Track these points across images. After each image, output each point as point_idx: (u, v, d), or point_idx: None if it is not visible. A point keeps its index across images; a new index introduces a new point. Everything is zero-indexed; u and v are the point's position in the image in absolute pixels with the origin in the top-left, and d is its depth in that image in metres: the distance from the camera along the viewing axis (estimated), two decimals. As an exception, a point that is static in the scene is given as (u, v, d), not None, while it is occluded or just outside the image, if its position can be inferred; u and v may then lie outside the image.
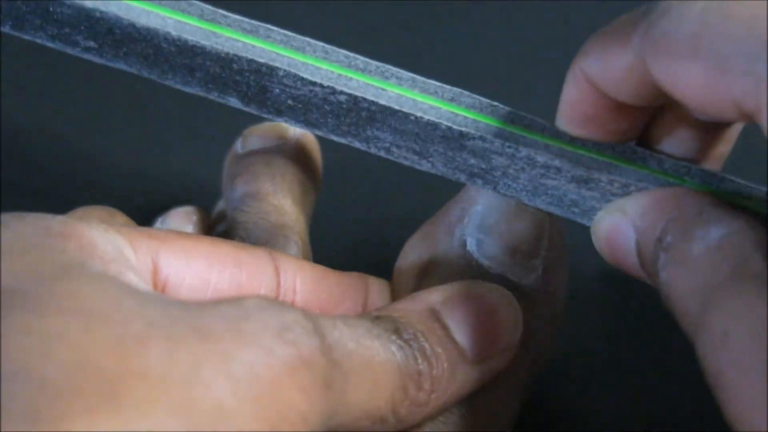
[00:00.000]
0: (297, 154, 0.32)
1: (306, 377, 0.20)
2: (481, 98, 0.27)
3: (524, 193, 0.26)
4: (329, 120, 0.26)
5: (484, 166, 0.26)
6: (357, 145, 0.27)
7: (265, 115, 0.27)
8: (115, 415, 0.17)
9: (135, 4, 0.26)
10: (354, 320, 0.23)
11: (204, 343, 0.19)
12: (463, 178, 0.27)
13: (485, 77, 0.46)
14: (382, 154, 0.27)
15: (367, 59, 0.26)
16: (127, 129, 0.45)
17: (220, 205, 0.34)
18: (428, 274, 0.27)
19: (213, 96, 0.27)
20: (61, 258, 0.20)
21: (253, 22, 0.26)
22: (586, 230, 0.27)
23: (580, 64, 0.25)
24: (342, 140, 0.27)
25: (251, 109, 0.27)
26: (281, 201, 0.31)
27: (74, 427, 0.17)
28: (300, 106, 0.26)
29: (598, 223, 0.25)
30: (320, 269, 0.27)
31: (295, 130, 0.32)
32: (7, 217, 0.21)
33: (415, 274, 0.28)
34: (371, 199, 0.41)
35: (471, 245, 0.27)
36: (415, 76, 0.27)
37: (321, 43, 0.27)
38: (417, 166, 0.27)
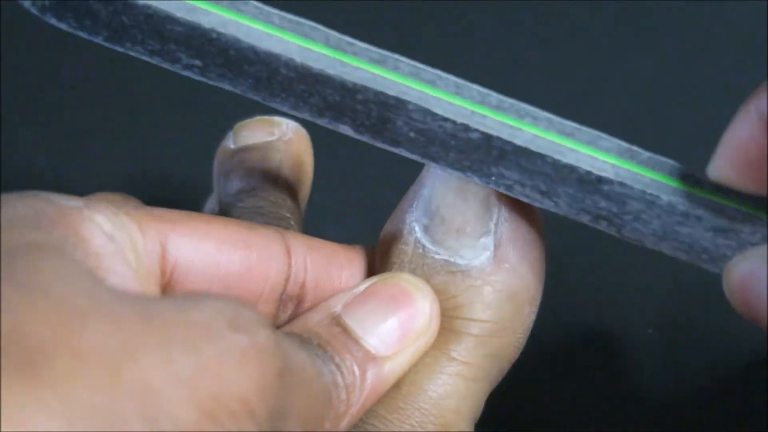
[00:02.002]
0: (290, 149, 0.32)
1: (258, 364, 0.19)
2: (620, 142, 0.26)
3: (651, 237, 0.25)
4: (451, 154, 0.25)
5: (615, 210, 0.25)
6: (475, 179, 0.25)
7: (376, 144, 0.25)
8: (29, 384, 0.16)
9: (256, 26, 0.24)
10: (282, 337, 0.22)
11: (146, 325, 0.18)
12: (586, 219, 0.26)
13: (485, 77, 0.46)
14: (502, 189, 0.25)
15: (500, 96, 0.25)
16: (122, 129, 0.45)
17: (210, 202, 0.34)
18: (383, 260, 0.27)
19: (322, 122, 0.25)
20: (41, 238, 0.20)
21: (381, 51, 0.25)
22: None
23: (757, 103, 0.24)
24: (459, 174, 0.25)
25: (363, 138, 0.25)
26: (277, 195, 0.30)
27: None
28: (422, 139, 0.25)
29: (732, 269, 0.25)
30: (329, 245, 0.27)
31: (287, 125, 0.32)
32: (8, 197, 0.21)
33: (379, 258, 0.28)
34: (365, 193, 0.41)
35: (418, 231, 0.27)
36: (550, 115, 0.25)
37: (452, 77, 0.25)
38: (537, 204, 0.26)
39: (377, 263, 0.28)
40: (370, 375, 0.24)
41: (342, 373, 0.23)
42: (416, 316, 0.25)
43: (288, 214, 0.30)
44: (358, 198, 0.42)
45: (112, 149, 0.45)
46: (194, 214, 0.25)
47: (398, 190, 0.40)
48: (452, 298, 0.26)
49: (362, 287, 0.25)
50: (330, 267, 0.26)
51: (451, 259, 0.26)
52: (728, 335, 0.38)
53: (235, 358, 0.19)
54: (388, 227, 0.28)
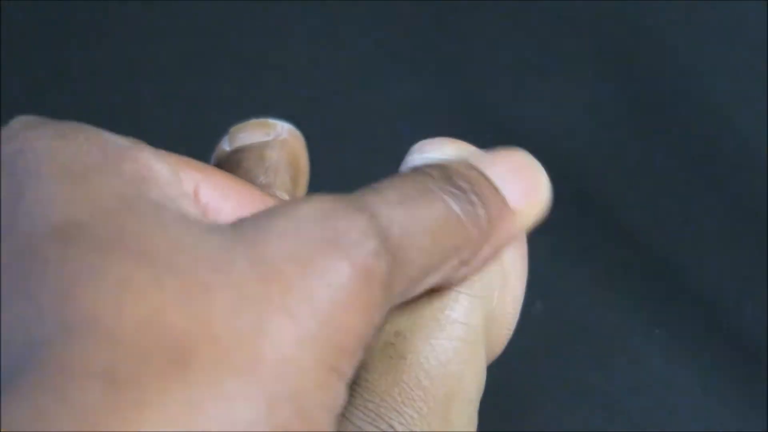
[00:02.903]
0: (285, 150, 0.32)
1: (365, 294, 0.19)
2: None
3: None
4: None
5: None
6: None
7: None
8: (184, 383, 0.17)
9: None
10: (402, 181, 0.23)
11: (265, 285, 0.18)
12: None
13: (484, 78, 0.46)
14: None
15: None
16: (121, 130, 0.45)
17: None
18: None
19: None
20: (119, 185, 0.20)
21: None
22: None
23: None
24: None
25: None
26: (275, 194, 0.31)
27: (146, 393, 0.16)
28: None
29: None
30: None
31: (282, 126, 0.32)
32: (66, 128, 0.21)
33: None
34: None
35: None
36: None
37: None
38: None
39: None
40: (505, 221, 0.24)
41: (485, 204, 0.24)
42: (540, 186, 0.25)
43: None
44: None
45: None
46: (220, 170, 0.25)
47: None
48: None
49: (493, 154, 0.25)
50: None
51: None
52: (728, 335, 0.38)
53: (348, 299, 0.19)
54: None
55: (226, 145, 0.32)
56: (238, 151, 0.31)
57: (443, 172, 0.24)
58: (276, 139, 0.31)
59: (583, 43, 0.46)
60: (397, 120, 0.43)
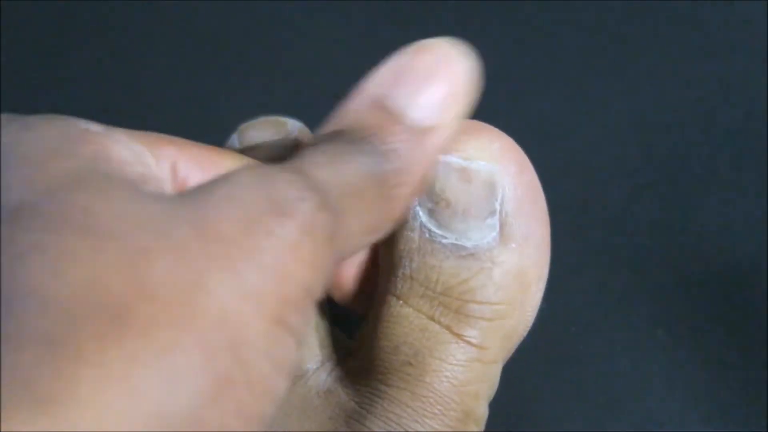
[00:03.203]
0: (296, 147, 0.32)
1: (309, 247, 0.19)
2: None
3: None
4: None
5: None
6: None
7: None
8: (122, 339, 0.17)
9: None
10: (326, 144, 0.23)
11: (206, 245, 0.18)
12: None
13: (484, 78, 0.46)
14: None
15: None
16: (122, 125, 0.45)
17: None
18: (389, 249, 0.27)
19: None
20: (74, 165, 0.20)
21: None
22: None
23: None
24: None
25: None
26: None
27: (84, 351, 0.16)
28: None
29: None
30: None
31: (293, 125, 0.32)
32: (33, 120, 0.21)
33: (383, 248, 0.28)
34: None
35: (422, 216, 0.26)
36: None
37: None
38: None
39: (381, 253, 0.28)
40: (419, 150, 0.24)
41: (390, 159, 0.23)
42: (457, 79, 0.25)
43: None
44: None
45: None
46: (198, 143, 0.25)
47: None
48: (464, 282, 0.26)
49: (396, 57, 0.25)
50: None
51: (459, 242, 0.26)
52: (728, 334, 0.38)
53: (292, 252, 0.19)
54: None
55: (235, 143, 0.32)
56: (247, 150, 0.31)
57: (356, 133, 0.23)
58: (286, 137, 0.31)
59: (584, 43, 0.46)
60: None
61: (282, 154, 0.31)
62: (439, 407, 0.25)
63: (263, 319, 0.18)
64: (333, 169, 0.22)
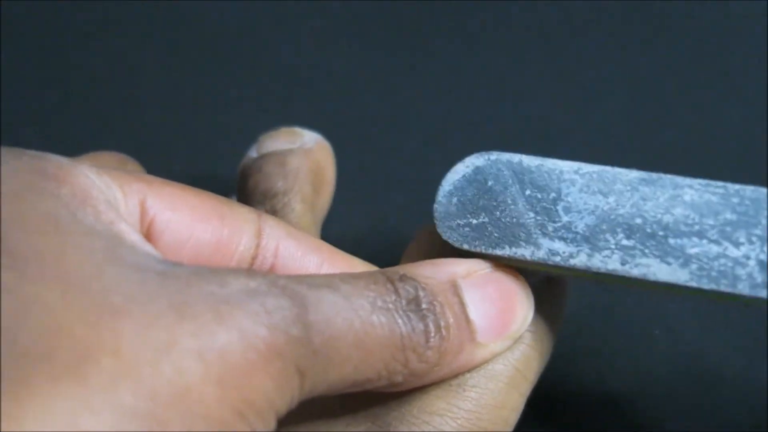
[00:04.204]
0: (309, 158, 0.32)
1: (277, 366, 0.20)
2: None
3: None
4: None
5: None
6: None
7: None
8: (78, 387, 0.17)
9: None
10: (359, 288, 0.23)
11: (180, 322, 0.19)
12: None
13: (484, 79, 0.46)
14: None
15: None
16: (125, 131, 0.44)
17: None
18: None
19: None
20: (53, 206, 0.20)
21: None
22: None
23: None
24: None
25: None
26: (291, 199, 0.31)
27: (36, 392, 0.17)
28: None
29: None
30: (317, 243, 0.27)
31: (309, 135, 0.32)
32: (6, 154, 0.21)
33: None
34: (374, 200, 0.41)
35: None
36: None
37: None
38: None
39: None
40: (465, 352, 0.24)
41: (443, 336, 0.24)
42: (520, 319, 0.26)
43: (295, 218, 0.30)
44: (364, 202, 0.42)
45: (114, 150, 0.45)
46: (171, 182, 0.25)
47: (405, 193, 0.40)
48: None
49: (488, 269, 0.25)
50: (306, 259, 0.26)
51: None
52: (729, 333, 0.39)
53: (260, 360, 0.19)
54: (432, 237, 0.28)
55: (253, 153, 0.32)
56: (262, 157, 0.32)
57: (413, 293, 0.23)
58: (301, 147, 0.31)
59: (584, 44, 0.46)
60: (409, 126, 0.43)
61: (292, 162, 0.31)
62: (477, 424, 0.25)
63: (224, 405, 0.19)
64: (347, 314, 0.22)
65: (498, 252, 0.26)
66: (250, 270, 0.22)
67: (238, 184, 0.33)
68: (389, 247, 0.33)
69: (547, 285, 0.27)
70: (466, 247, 0.26)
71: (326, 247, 0.27)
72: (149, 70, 0.46)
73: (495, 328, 0.25)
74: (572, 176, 0.26)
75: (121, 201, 0.23)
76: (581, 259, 0.25)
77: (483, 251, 0.26)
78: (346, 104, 0.44)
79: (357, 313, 0.22)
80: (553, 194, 0.26)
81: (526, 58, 0.46)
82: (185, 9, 0.48)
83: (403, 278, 0.23)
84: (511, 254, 0.26)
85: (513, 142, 0.43)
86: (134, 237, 0.21)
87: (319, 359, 0.21)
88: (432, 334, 0.23)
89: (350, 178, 0.41)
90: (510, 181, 0.26)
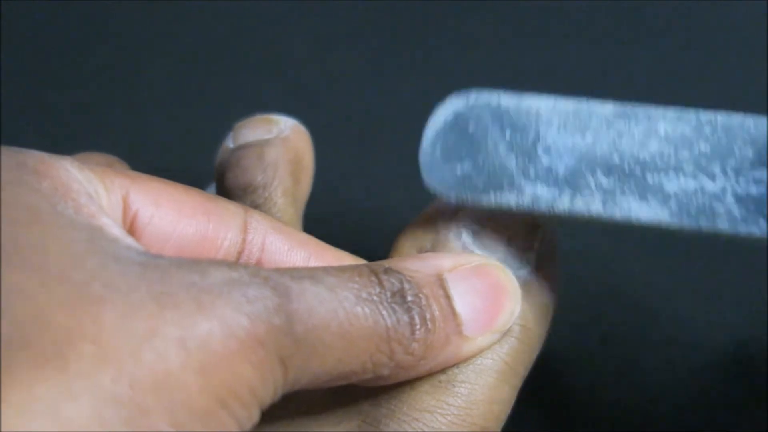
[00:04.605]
0: (289, 147, 0.32)
1: (259, 354, 0.20)
2: None
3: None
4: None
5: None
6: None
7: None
8: (58, 373, 0.17)
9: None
10: (343, 280, 0.22)
11: (161, 310, 0.19)
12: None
13: (482, 79, 0.46)
14: None
15: None
16: (123, 129, 0.45)
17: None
18: None
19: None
20: (34, 199, 0.20)
21: None
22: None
23: None
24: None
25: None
26: (272, 193, 0.30)
27: (17, 379, 0.17)
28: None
29: None
30: (303, 237, 0.27)
31: (286, 123, 0.32)
32: None
33: None
34: (372, 199, 0.41)
35: (466, 236, 0.27)
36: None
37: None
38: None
39: None
40: (451, 345, 0.24)
41: (428, 329, 0.23)
42: (507, 313, 0.25)
43: (279, 212, 0.30)
44: (362, 201, 0.42)
45: (114, 150, 0.45)
46: (155, 177, 0.25)
47: (398, 190, 0.40)
48: None
49: (474, 262, 0.25)
50: (293, 254, 0.26)
51: None
52: (727, 334, 0.38)
53: (241, 349, 0.19)
54: (420, 230, 0.28)
55: (230, 142, 0.32)
56: (238, 149, 0.31)
57: (398, 285, 0.23)
58: (278, 136, 0.31)
59: (584, 44, 0.46)
60: (402, 118, 0.44)
61: (270, 153, 0.31)
62: (467, 420, 0.25)
63: (206, 393, 0.19)
64: (331, 305, 0.22)
65: (483, 200, 0.25)
66: (231, 262, 0.22)
67: (216, 176, 0.32)
68: (388, 247, 0.32)
69: (537, 275, 0.27)
70: (453, 195, 0.25)
71: (313, 241, 0.27)
72: (149, 70, 0.47)
73: (482, 322, 0.25)
74: (549, 115, 0.26)
75: (103, 195, 0.23)
76: (564, 203, 0.25)
77: (469, 200, 0.25)
78: (346, 104, 0.44)
79: (341, 304, 0.22)
80: (532, 135, 0.25)
81: (525, 57, 0.46)
82: (185, 9, 0.48)
83: (387, 271, 0.23)
84: (497, 202, 0.25)
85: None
86: (115, 230, 0.21)
87: (302, 349, 0.21)
88: (417, 327, 0.23)
89: (349, 177, 0.41)
90: (490, 125, 0.26)
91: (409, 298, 0.23)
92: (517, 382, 0.26)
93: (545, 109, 0.26)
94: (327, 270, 0.22)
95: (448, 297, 0.24)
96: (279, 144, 0.31)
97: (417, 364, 0.24)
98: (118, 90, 0.46)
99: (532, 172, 0.25)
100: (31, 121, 0.46)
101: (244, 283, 0.20)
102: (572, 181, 0.25)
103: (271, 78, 0.46)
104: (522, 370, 0.26)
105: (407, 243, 0.28)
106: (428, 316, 0.23)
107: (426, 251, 0.27)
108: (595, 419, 0.37)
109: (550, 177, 0.25)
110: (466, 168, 0.25)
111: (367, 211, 0.41)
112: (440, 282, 0.24)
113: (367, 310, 0.22)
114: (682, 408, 0.37)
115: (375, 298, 0.22)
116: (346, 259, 0.27)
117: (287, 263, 0.26)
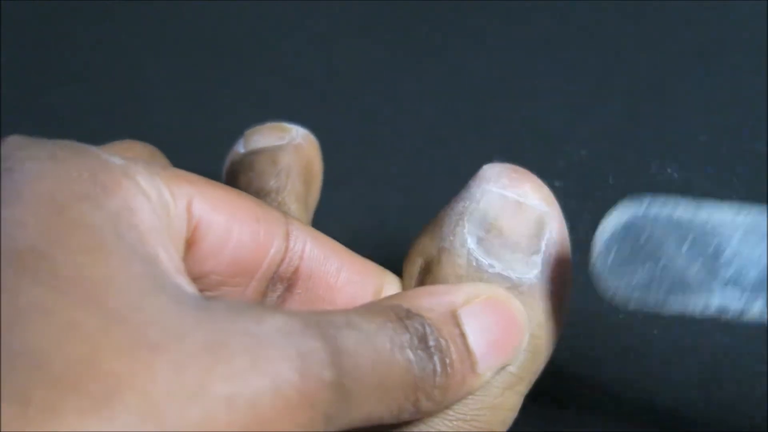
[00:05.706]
0: (299, 154, 0.32)
1: (306, 415, 0.20)
2: None
3: None
4: None
5: None
6: None
7: None
8: (105, 422, 0.17)
9: None
10: (378, 326, 0.23)
11: (215, 364, 0.19)
12: None
13: (484, 79, 0.46)
14: None
15: None
16: (126, 130, 0.45)
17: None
18: (431, 272, 0.27)
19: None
20: (98, 220, 0.20)
21: None
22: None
23: None
24: None
25: None
26: (285, 198, 0.31)
27: (62, 422, 0.17)
28: None
29: None
30: (334, 244, 0.27)
31: (297, 131, 0.32)
32: (60, 150, 0.21)
33: (419, 271, 0.28)
34: (374, 198, 0.41)
35: (471, 243, 0.27)
36: None
37: None
38: None
39: (420, 274, 0.28)
40: (467, 383, 0.24)
41: (447, 375, 0.24)
42: (517, 345, 0.26)
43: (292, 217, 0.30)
44: (364, 201, 0.42)
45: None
46: (212, 181, 0.25)
47: (406, 197, 0.40)
48: None
49: (484, 295, 0.25)
50: (328, 263, 0.26)
51: (505, 273, 0.26)
52: (728, 333, 0.39)
53: (289, 409, 0.19)
54: (427, 239, 0.28)
55: (240, 148, 0.32)
56: (251, 154, 0.32)
57: (421, 330, 0.23)
58: (290, 143, 0.31)
59: (584, 44, 0.46)
60: (409, 125, 0.44)
61: (283, 159, 0.31)
62: (472, 425, 0.25)
63: None
64: (370, 354, 0.22)
65: (666, 306, 0.25)
66: (285, 309, 0.22)
67: (226, 179, 0.33)
68: (389, 247, 0.32)
69: (544, 278, 0.27)
70: (633, 301, 0.25)
71: (342, 249, 0.27)
72: (150, 70, 0.46)
73: (493, 356, 0.25)
74: (729, 228, 0.26)
75: (171, 204, 0.22)
76: (756, 308, 0.25)
77: (651, 306, 0.25)
78: (347, 104, 0.44)
79: (380, 355, 0.22)
80: (713, 246, 0.25)
81: (527, 58, 0.46)
82: (186, 9, 0.48)
83: (409, 315, 0.23)
84: (682, 306, 0.25)
85: (514, 142, 0.43)
86: (171, 265, 0.21)
87: (345, 402, 0.21)
88: (439, 373, 0.23)
89: (350, 177, 0.41)
90: (666, 234, 0.26)
91: (431, 343, 0.23)
92: (523, 388, 0.26)
93: (723, 222, 0.26)
94: (361, 314, 0.22)
95: (463, 335, 0.24)
96: (292, 151, 0.31)
97: (437, 408, 0.24)
98: (120, 90, 0.46)
99: (719, 278, 0.25)
100: (31, 121, 0.45)
101: (296, 333, 0.20)
102: (761, 288, 0.25)
103: (274, 78, 0.46)
104: (529, 377, 0.26)
105: (414, 255, 0.28)
106: (448, 361, 0.23)
107: (433, 260, 0.27)
108: (595, 419, 0.38)
109: (738, 283, 0.25)
110: (645, 275, 0.25)
111: (367, 210, 0.41)
112: (455, 320, 0.24)
113: (400, 359, 0.22)
114: (683, 408, 0.37)
115: (405, 344, 0.23)
116: (371, 268, 0.27)
117: (322, 272, 0.26)
